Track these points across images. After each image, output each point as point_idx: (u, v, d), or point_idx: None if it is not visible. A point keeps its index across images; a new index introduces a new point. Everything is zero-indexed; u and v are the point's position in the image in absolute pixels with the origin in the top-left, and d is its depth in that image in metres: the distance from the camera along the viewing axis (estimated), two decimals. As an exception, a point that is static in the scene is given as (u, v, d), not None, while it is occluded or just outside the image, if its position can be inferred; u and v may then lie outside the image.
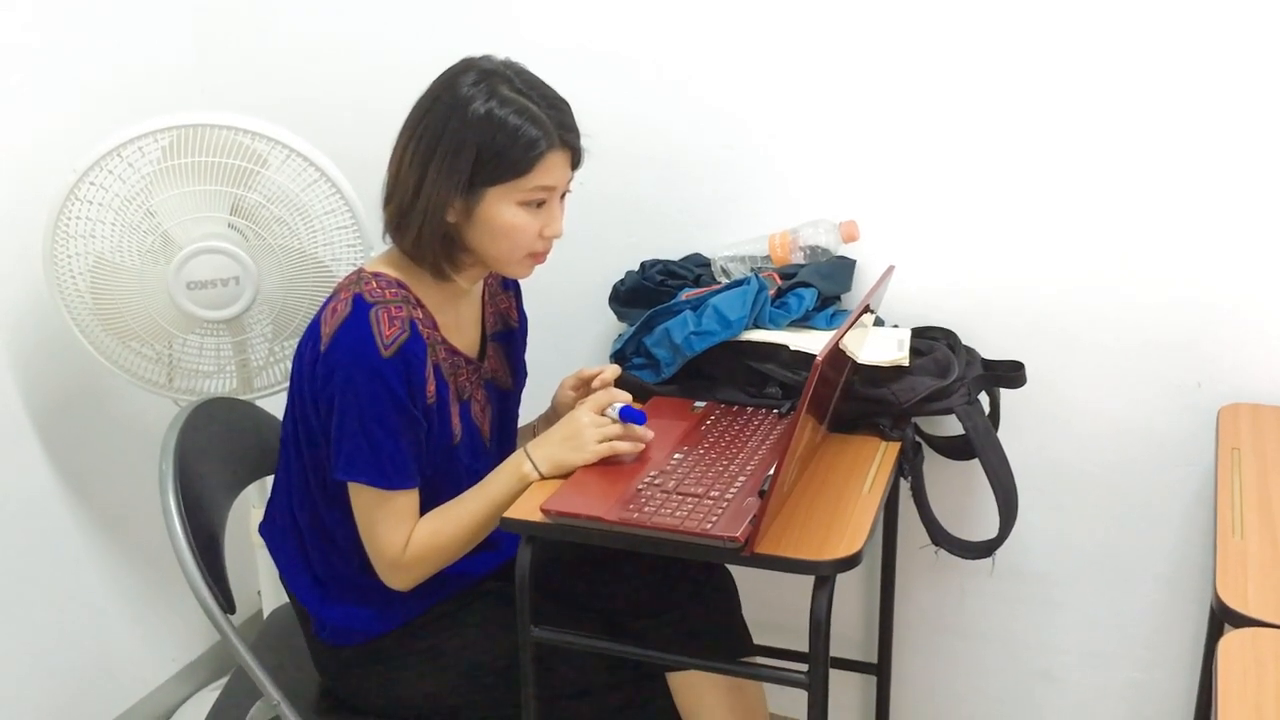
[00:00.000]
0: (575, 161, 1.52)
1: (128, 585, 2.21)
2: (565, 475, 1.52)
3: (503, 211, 1.47)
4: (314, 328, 1.50)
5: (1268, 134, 1.68)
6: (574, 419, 1.55)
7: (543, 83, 1.50)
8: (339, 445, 1.47)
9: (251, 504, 2.01)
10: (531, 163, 1.45)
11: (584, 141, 1.52)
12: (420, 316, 1.51)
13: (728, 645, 1.62)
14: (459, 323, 1.61)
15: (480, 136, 1.44)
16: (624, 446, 1.53)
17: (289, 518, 1.61)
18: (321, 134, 1.92)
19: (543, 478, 1.52)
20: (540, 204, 1.49)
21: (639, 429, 1.55)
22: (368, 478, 1.47)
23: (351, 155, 1.84)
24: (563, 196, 1.54)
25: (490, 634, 1.58)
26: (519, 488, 1.52)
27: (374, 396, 1.44)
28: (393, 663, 1.59)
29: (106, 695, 2.19)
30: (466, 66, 1.49)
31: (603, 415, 1.55)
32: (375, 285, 1.49)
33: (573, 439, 1.53)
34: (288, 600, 1.70)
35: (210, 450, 1.69)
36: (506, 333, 1.73)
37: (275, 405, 1.92)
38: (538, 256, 1.54)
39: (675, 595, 1.60)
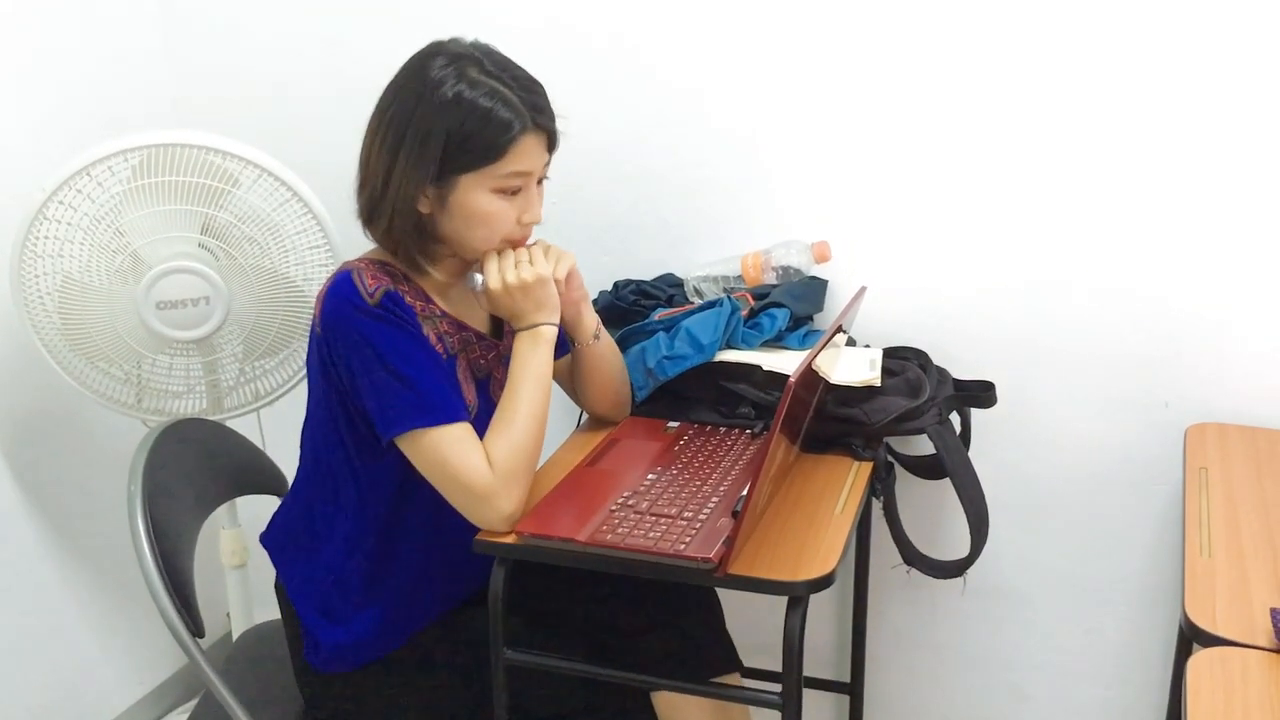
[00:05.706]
0: (551, 145, 1.47)
1: (95, 607, 2.18)
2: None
3: (477, 199, 1.43)
4: (312, 324, 1.48)
5: (1238, 155, 1.70)
6: (516, 291, 1.47)
7: (514, 64, 1.46)
8: (374, 404, 1.41)
9: (221, 525, 2.00)
10: (504, 147, 1.41)
11: (563, 134, 1.48)
12: (406, 289, 1.47)
13: (713, 663, 1.59)
14: (467, 300, 1.56)
15: (449, 122, 1.39)
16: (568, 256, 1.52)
17: (305, 525, 1.57)
18: (295, 139, 1.89)
19: (556, 325, 1.50)
20: (516, 191, 1.45)
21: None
22: (414, 421, 1.40)
23: (325, 161, 1.78)
24: (540, 182, 1.50)
25: (471, 660, 1.55)
26: (546, 351, 1.48)
27: (384, 337, 1.40)
28: (378, 690, 1.56)
29: (73, 718, 2.16)
30: (435, 50, 1.44)
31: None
32: (360, 264, 1.46)
33: (533, 291, 1.47)
34: (258, 623, 1.68)
35: (180, 472, 1.67)
36: None
37: (246, 425, 1.91)
38: (516, 245, 1.50)
39: (658, 614, 1.58)
